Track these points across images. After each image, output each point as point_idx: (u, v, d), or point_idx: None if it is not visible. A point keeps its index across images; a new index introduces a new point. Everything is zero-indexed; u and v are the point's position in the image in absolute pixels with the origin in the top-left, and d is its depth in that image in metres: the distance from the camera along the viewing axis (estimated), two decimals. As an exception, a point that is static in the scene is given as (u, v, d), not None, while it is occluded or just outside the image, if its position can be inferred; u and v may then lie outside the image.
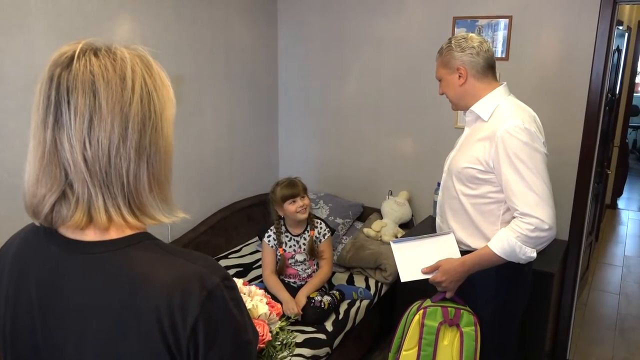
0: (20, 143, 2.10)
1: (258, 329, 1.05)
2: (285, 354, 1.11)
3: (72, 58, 0.72)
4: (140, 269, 0.72)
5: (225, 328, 0.73)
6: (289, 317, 1.31)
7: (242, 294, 1.09)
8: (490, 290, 1.89)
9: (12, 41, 2.08)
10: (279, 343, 1.10)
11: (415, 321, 1.92)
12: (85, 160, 0.71)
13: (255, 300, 1.07)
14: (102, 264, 0.74)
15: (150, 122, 0.74)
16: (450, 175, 1.91)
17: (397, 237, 3.04)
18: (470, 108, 1.86)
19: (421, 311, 1.92)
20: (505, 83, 1.89)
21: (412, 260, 1.93)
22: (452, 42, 1.85)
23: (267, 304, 1.10)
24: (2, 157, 2.11)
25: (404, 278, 1.95)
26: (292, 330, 1.18)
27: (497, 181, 1.77)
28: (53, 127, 0.71)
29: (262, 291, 1.13)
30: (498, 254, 1.74)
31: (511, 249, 1.72)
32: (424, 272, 1.90)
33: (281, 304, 2.39)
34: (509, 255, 1.73)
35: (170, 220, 0.80)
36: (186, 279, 0.71)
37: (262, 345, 1.06)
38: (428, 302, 1.95)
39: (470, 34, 1.87)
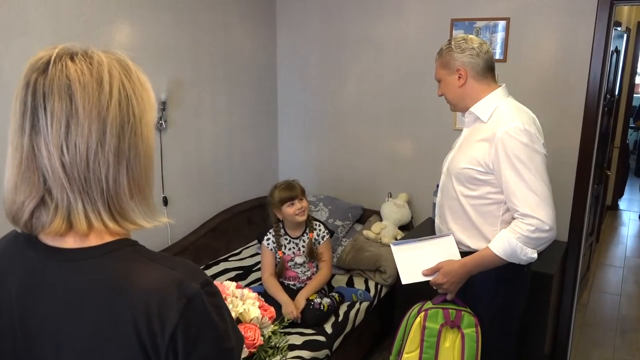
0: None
1: (249, 334, 1.05)
2: (277, 358, 1.11)
3: (48, 63, 0.71)
4: (118, 276, 0.72)
5: (206, 336, 0.72)
6: (282, 320, 1.30)
7: (234, 298, 1.09)
8: (489, 291, 1.89)
9: (12, 46, 2.09)
10: (271, 347, 1.10)
11: (417, 324, 1.92)
12: (63, 165, 0.70)
13: (247, 304, 1.07)
14: (80, 271, 0.73)
15: (129, 125, 0.73)
16: (450, 176, 1.91)
17: (396, 239, 3.05)
18: (470, 109, 1.86)
19: (422, 313, 1.92)
20: (504, 84, 1.89)
21: (413, 262, 1.93)
22: (452, 43, 1.85)
23: (260, 307, 1.10)
24: (4, 160, 2.12)
25: (404, 280, 1.95)
26: (284, 334, 1.18)
27: (497, 182, 1.77)
28: (30, 133, 0.71)
29: (254, 294, 1.13)
30: (499, 255, 1.74)
31: (512, 249, 1.72)
32: (425, 274, 1.90)
33: (276, 306, 2.40)
34: (510, 256, 1.74)
35: (152, 225, 0.79)
36: (165, 286, 0.71)
37: (253, 350, 1.05)
38: (429, 304, 1.95)
39: (470, 36, 1.87)
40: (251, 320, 1.07)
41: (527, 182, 1.70)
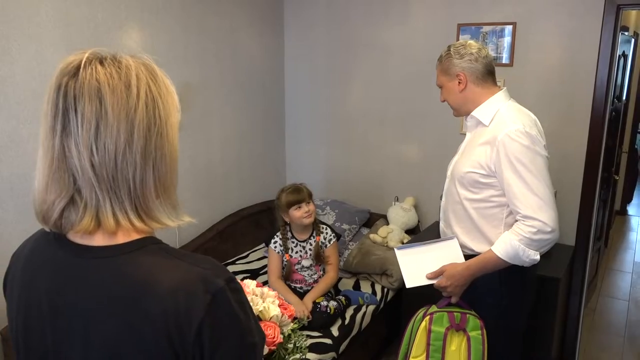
0: (31, 149, 2.15)
1: (269, 332, 1.05)
2: (297, 356, 1.12)
3: (78, 67, 0.73)
4: (146, 273, 0.74)
5: (230, 331, 0.74)
6: (298, 320, 1.31)
7: (254, 296, 1.10)
8: (494, 294, 1.89)
9: (24, 50, 2.13)
10: (292, 345, 1.11)
11: (422, 327, 1.93)
12: (92, 165, 0.72)
13: (267, 302, 1.08)
14: (108, 268, 0.75)
15: (156, 127, 0.76)
16: (453, 180, 1.92)
17: (403, 243, 3.05)
18: (471, 113, 1.88)
19: (427, 317, 1.93)
20: (505, 88, 1.91)
21: (417, 266, 1.94)
22: (451, 49, 1.88)
23: (280, 305, 1.10)
24: (15, 163, 2.15)
25: (409, 284, 1.96)
26: (303, 333, 1.19)
27: (499, 185, 1.78)
28: (61, 134, 0.73)
29: (274, 292, 1.13)
30: (502, 257, 1.75)
31: (515, 252, 1.73)
32: (429, 278, 1.91)
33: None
34: (513, 259, 1.74)
35: (176, 224, 0.81)
36: (191, 282, 0.73)
37: (272, 348, 1.06)
38: (434, 308, 1.96)
39: (469, 41, 1.90)
40: (271, 318, 1.08)
41: (529, 185, 1.70)
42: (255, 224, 3.43)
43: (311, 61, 3.55)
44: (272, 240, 2.61)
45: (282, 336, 1.09)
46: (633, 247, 4.99)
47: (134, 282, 0.73)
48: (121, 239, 0.76)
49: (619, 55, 3.35)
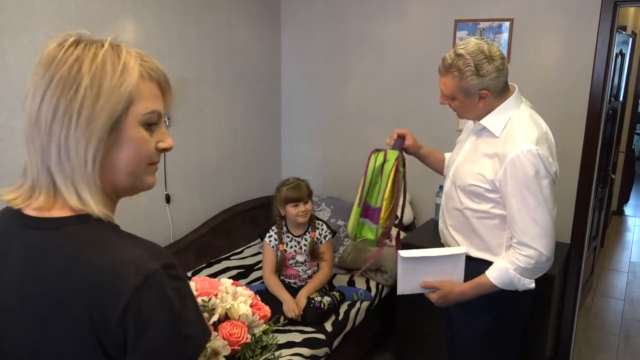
0: (23, 142, 2.13)
1: (235, 330, 1.01)
2: (265, 357, 1.08)
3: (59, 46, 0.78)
4: (78, 248, 0.72)
5: (159, 317, 0.69)
6: (277, 320, 1.26)
7: (225, 294, 1.07)
8: (490, 301, 1.87)
9: (17, 41, 2.11)
10: (260, 347, 1.07)
11: (393, 172, 1.92)
12: (31, 137, 0.77)
13: (237, 301, 1.05)
14: (41, 241, 0.74)
15: (94, 109, 0.74)
16: (455, 186, 1.86)
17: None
18: (480, 122, 1.78)
19: (396, 162, 1.92)
20: (517, 89, 1.79)
21: (415, 275, 1.85)
22: (472, 63, 1.65)
23: (253, 305, 1.07)
24: (5, 155, 2.13)
25: (400, 292, 1.89)
26: (277, 332, 1.15)
27: (502, 202, 1.73)
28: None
29: (249, 292, 1.10)
30: (496, 284, 1.74)
31: (510, 280, 1.72)
32: (423, 287, 1.86)
33: (277, 304, 2.41)
34: (507, 286, 1.74)
35: (101, 212, 0.76)
36: (122, 262, 0.70)
37: (237, 347, 1.02)
38: (395, 153, 1.95)
39: (490, 47, 1.68)
40: (239, 317, 1.04)
41: (531, 211, 1.66)
42: (250, 220, 3.42)
43: (308, 57, 3.54)
44: (267, 235, 2.60)
45: (250, 336, 1.04)
46: (629, 247, 4.99)
47: (65, 256, 0.72)
48: (56, 214, 0.75)
49: (617, 54, 3.34)
